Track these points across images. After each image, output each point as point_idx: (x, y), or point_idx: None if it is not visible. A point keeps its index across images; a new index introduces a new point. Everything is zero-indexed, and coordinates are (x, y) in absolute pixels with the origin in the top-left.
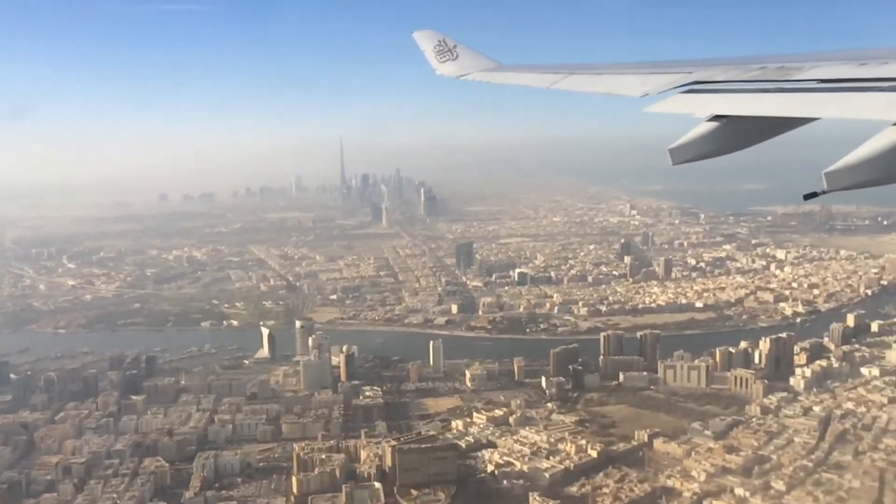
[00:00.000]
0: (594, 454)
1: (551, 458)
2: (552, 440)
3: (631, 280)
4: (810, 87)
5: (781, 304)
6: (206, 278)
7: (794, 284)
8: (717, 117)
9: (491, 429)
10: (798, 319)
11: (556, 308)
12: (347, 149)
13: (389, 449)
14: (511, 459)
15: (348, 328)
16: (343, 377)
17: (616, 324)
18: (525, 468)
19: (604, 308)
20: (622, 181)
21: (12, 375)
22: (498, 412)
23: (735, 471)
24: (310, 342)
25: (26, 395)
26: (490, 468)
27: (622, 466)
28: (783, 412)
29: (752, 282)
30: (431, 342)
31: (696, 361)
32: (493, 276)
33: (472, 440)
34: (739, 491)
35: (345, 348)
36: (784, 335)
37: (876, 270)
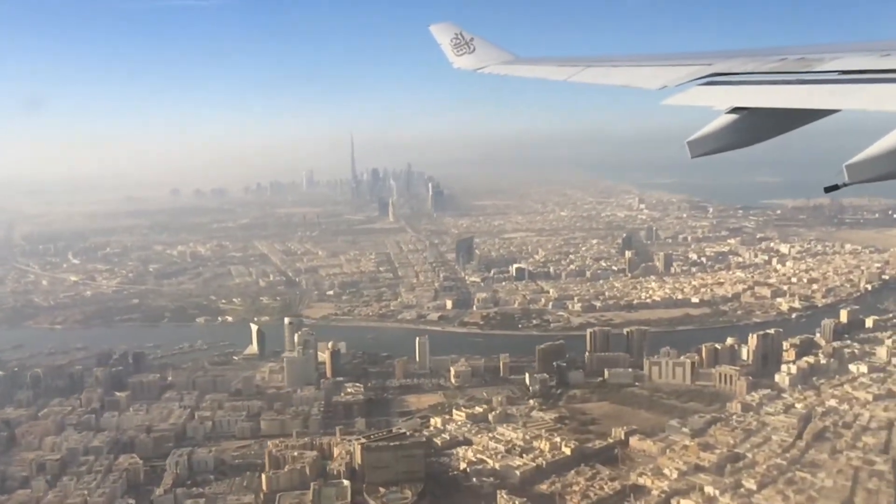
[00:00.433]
0: (568, 452)
1: (525, 455)
2: (528, 437)
3: (629, 275)
4: (831, 79)
5: (778, 300)
6: (206, 274)
7: (794, 279)
8: (736, 109)
9: (468, 426)
10: (794, 315)
11: (550, 304)
12: (364, 143)
13: (359, 447)
14: (484, 457)
15: (341, 324)
16: (328, 373)
17: (609, 320)
18: (497, 466)
19: (598, 304)
20: (635, 175)
21: (0, 371)
22: (478, 409)
23: (708, 469)
24: (295, 339)
25: (12, 392)
26: (462, 466)
27: (595, 464)
28: (764, 409)
29: (752, 277)
30: (417, 339)
31: (682, 358)
32: (492, 272)
33: (448, 437)
34: (709, 489)
35: (330, 344)
36: (772, 331)
37: (879, 265)
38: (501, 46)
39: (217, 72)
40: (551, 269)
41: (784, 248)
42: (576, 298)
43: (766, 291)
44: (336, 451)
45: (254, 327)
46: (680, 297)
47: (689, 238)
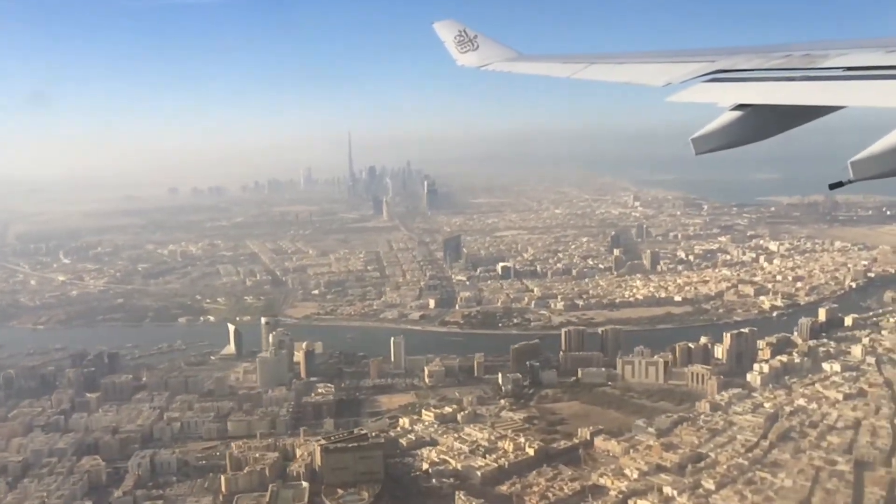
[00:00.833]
0: (531, 452)
1: (488, 456)
2: (493, 438)
3: (615, 273)
4: (836, 75)
5: (761, 298)
6: (194, 273)
7: (779, 277)
8: (740, 106)
9: (435, 426)
10: (775, 314)
11: (533, 302)
12: (366, 141)
13: (318, 448)
14: (447, 458)
15: (323, 323)
16: (303, 374)
17: (590, 318)
18: (459, 466)
19: (581, 303)
20: (636, 172)
21: None
22: (447, 409)
23: (669, 469)
24: (270, 339)
25: None
26: (425, 466)
27: (558, 465)
28: (732, 409)
29: (738, 275)
30: (392, 339)
31: (656, 357)
32: (478, 270)
33: (414, 438)
34: (667, 490)
35: (304, 345)
36: (746, 330)
37: (866, 262)
38: (505, 44)
39: (219, 69)
40: (538, 268)
41: (773, 246)
42: (559, 297)
43: (750, 290)
44: (299, 453)
45: (231, 327)
46: (663, 295)
47: (680, 236)
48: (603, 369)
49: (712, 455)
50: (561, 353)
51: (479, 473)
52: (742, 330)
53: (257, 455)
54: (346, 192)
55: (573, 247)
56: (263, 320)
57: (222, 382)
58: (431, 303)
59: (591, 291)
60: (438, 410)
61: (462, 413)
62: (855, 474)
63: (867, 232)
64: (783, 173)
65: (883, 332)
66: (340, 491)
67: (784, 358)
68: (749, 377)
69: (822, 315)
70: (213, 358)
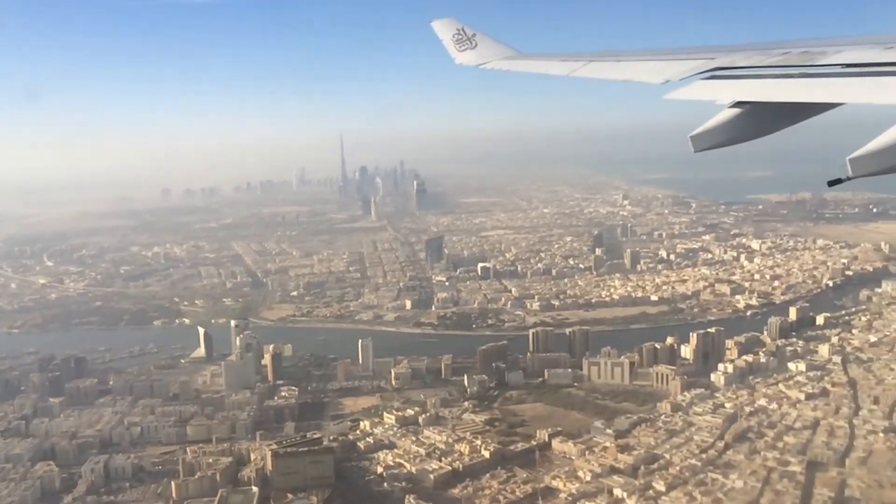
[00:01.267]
0: (487, 455)
1: (443, 459)
2: (451, 441)
3: (595, 273)
4: (834, 73)
5: (736, 297)
6: (175, 275)
7: (757, 276)
8: (739, 104)
9: (395, 429)
10: (749, 313)
11: (509, 303)
12: (366, 141)
13: (269, 453)
14: (403, 461)
15: (298, 325)
16: (270, 377)
17: (565, 319)
18: (414, 470)
19: (557, 303)
20: (632, 170)
21: None
22: (410, 412)
23: (623, 470)
24: (237, 342)
25: None
26: (380, 470)
27: (514, 467)
28: (693, 409)
29: (717, 274)
30: (360, 341)
31: (622, 358)
32: (458, 271)
33: (372, 441)
34: (618, 491)
35: (272, 347)
36: (713, 330)
37: (846, 260)
38: (503, 42)
39: (217, 69)
40: (518, 268)
41: (755, 245)
42: (536, 297)
43: (727, 289)
44: (253, 457)
45: (201, 330)
46: (640, 295)
47: (665, 234)
48: (569, 370)
49: (667, 456)
50: (528, 354)
51: (432, 477)
52: (709, 330)
53: (210, 460)
54: (338, 193)
55: (556, 246)
56: (233, 323)
57: (187, 386)
58: (408, 304)
59: (568, 291)
60: (400, 413)
61: (424, 416)
62: (806, 475)
63: (852, 230)
64: (778, 171)
65: (854, 330)
66: (290, 496)
67: (749, 358)
68: (713, 377)
69: (792, 314)
70: (183, 361)
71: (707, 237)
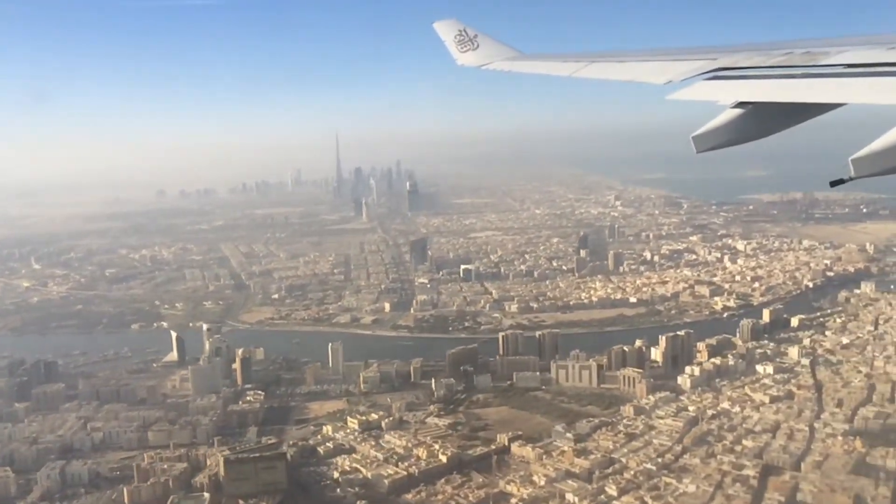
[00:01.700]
0: (444, 459)
1: (400, 464)
2: (410, 445)
3: (577, 275)
4: (837, 73)
5: (715, 299)
6: (160, 278)
7: (738, 278)
8: (741, 104)
9: (357, 434)
10: (726, 314)
11: (488, 305)
12: (366, 142)
13: (222, 459)
14: (360, 466)
15: (275, 328)
16: (239, 381)
17: (542, 321)
18: (369, 475)
19: (536, 305)
20: (629, 170)
21: None
22: (374, 416)
23: (578, 475)
24: (206, 346)
25: None
26: (336, 475)
27: (470, 472)
28: (656, 412)
29: (698, 275)
30: (330, 344)
31: (590, 361)
32: (441, 273)
33: (332, 446)
34: (570, 496)
35: (240, 351)
36: (682, 333)
37: (829, 261)
38: (505, 43)
39: (218, 69)
40: (502, 270)
41: (740, 246)
42: (515, 300)
43: (706, 290)
44: (209, 463)
45: (173, 334)
46: (619, 296)
47: (652, 235)
48: (538, 374)
49: (623, 460)
50: (498, 357)
51: (386, 482)
52: (678, 333)
53: (166, 466)
54: (332, 194)
55: (542, 248)
56: (205, 327)
57: (155, 391)
58: (387, 306)
59: (548, 294)
60: (364, 418)
61: (387, 420)
62: (760, 479)
63: (840, 230)
64: (776, 170)
65: (827, 332)
66: (241, 502)
67: (717, 360)
68: (679, 380)
69: (766, 316)
70: (155, 365)
71: (694, 238)
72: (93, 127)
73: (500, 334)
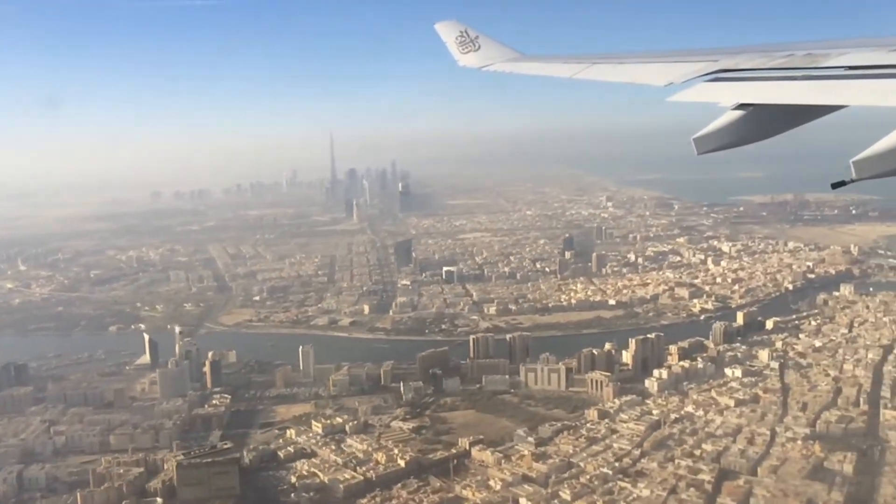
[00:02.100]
0: (402, 464)
1: (359, 468)
2: (370, 449)
3: (559, 277)
4: (838, 75)
5: (694, 301)
6: (143, 280)
7: (719, 280)
8: (742, 106)
9: (320, 438)
10: (703, 317)
11: (467, 308)
12: (366, 143)
13: (175, 463)
14: (318, 470)
15: (252, 330)
16: (209, 384)
17: (519, 323)
18: (326, 479)
19: (514, 307)
20: (623, 172)
21: None
22: (339, 420)
23: (535, 479)
24: (176, 349)
25: None
26: (293, 480)
27: (428, 476)
28: (620, 416)
29: (680, 277)
30: (301, 346)
31: (559, 364)
32: (424, 275)
33: (293, 450)
34: (524, 501)
35: (210, 354)
36: (652, 335)
37: (811, 263)
38: (507, 44)
39: (219, 70)
40: (485, 271)
41: (725, 247)
42: (495, 302)
43: (685, 292)
44: (166, 467)
45: (146, 336)
46: (598, 299)
47: (639, 237)
48: (507, 377)
49: (581, 464)
50: (468, 360)
51: (342, 487)
52: (648, 335)
53: (122, 470)
54: (325, 195)
55: (528, 249)
56: (177, 329)
57: (122, 394)
58: (366, 308)
59: (528, 296)
60: (329, 421)
61: (352, 423)
62: (714, 484)
63: (827, 231)
64: (774, 172)
65: (801, 335)
66: None
67: (686, 363)
68: (647, 383)
69: (739, 318)
70: (128, 368)
71: (680, 240)
72: (92, 127)
73: (471, 337)
